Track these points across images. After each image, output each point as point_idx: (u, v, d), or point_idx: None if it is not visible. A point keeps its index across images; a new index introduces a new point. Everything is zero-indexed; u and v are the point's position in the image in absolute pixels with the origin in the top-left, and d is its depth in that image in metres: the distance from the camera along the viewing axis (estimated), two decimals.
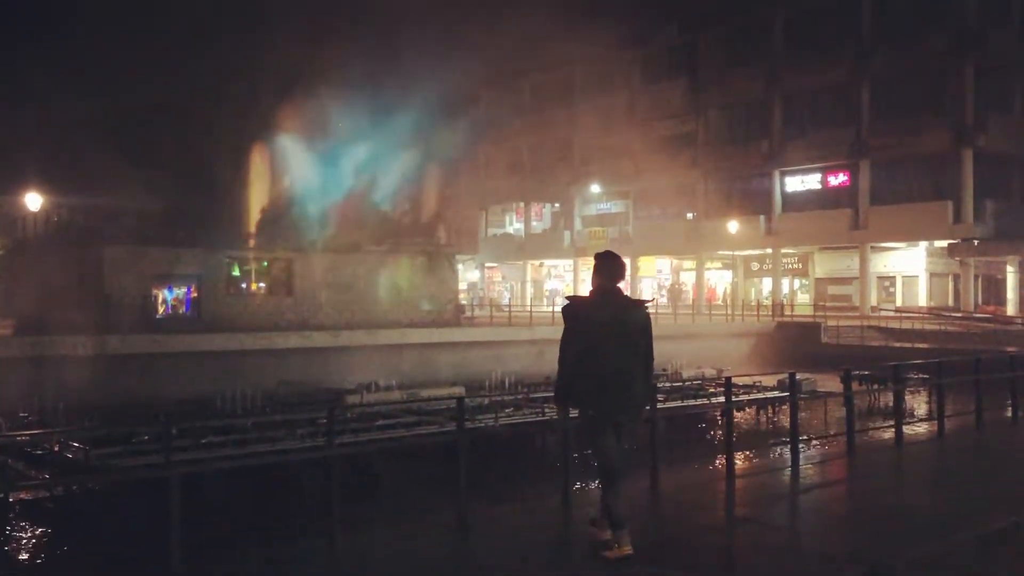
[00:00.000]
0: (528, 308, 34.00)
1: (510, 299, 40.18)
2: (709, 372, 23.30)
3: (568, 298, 5.25)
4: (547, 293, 48.92)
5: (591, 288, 5.22)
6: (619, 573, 4.83)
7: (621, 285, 5.28)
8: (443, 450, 6.60)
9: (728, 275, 42.86)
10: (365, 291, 26.54)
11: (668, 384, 19.85)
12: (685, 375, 22.71)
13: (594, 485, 6.20)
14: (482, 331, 25.15)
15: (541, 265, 49.54)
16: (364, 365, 21.50)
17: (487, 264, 52.78)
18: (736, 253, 40.10)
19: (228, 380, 18.96)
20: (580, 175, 45.35)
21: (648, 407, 5.68)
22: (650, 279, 46.81)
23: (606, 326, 5.05)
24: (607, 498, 5.07)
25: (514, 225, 54.39)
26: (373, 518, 8.08)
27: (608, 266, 5.18)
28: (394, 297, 27.01)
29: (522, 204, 51.37)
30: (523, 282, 50.37)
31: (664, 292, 44.76)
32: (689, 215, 42.83)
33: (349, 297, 25.96)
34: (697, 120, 40.72)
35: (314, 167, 26.85)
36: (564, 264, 47.81)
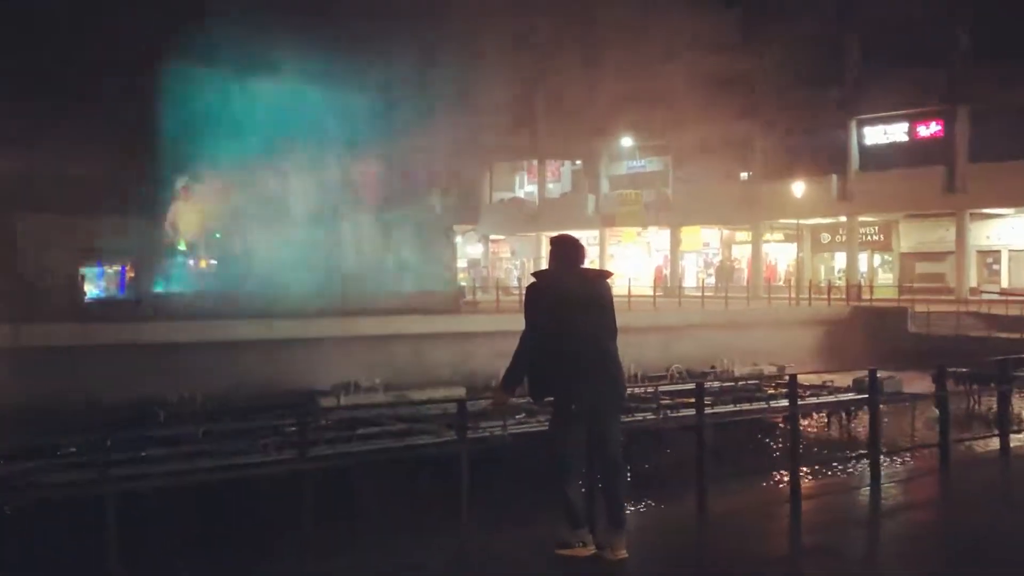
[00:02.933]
0: None
1: (520, 278, 40.24)
2: (768, 369, 23.52)
3: (534, 274, 5.79)
4: None
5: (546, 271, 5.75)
6: None
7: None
8: (439, 464, 6.60)
9: (791, 249, 42.77)
10: (342, 270, 26.60)
11: (718, 384, 19.84)
12: (738, 373, 22.93)
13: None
14: (486, 319, 25.30)
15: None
16: (341, 361, 21.64)
17: (492, 236, 52.91)
18: (802, 222, 39.97)
19: (173, 379, 19.05)
20: (607, 126, 45.22)
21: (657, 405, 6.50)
22: (694, 254, 46.78)
23: (579, 300, 5.63)
24: (569, 491, 5.53)
25: (525, 188, 54.39)
26: (350, 546, 8.09)
27: (566, 252, 5.72)
28: (378, 277, 27.09)
29: (535, 162, 51.34)
30: (536, 258, 50.45)
31: (711, 270, 44.70)
32: (743, 175, 42.63)
33: (322, 277, 26.03)
34: (754, 57, 40.45)
35: (272, 111, 26.79)
36: (587, 236, 47.77)
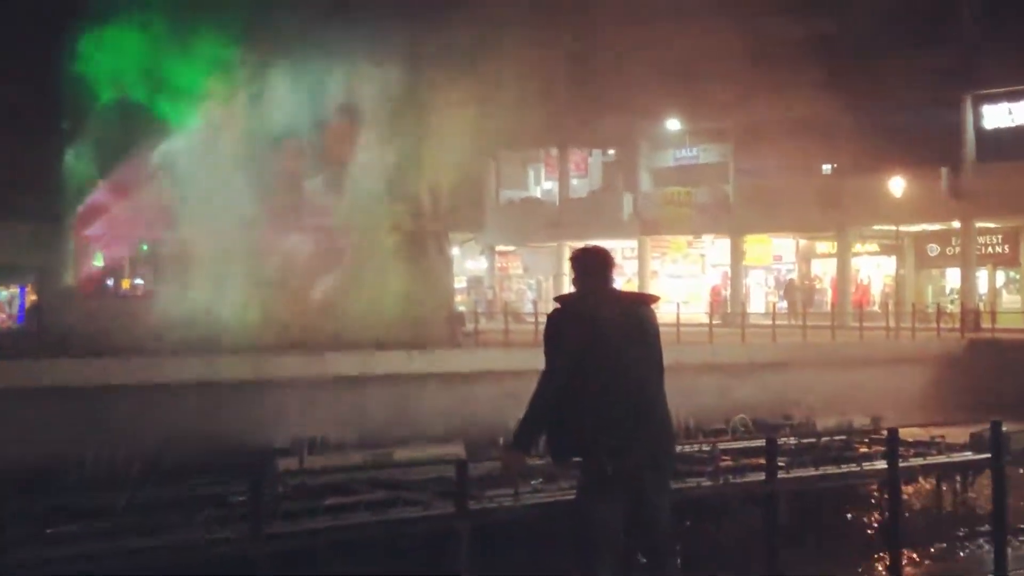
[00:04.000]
0: None
1: (536, 302, 40.29)
2: (860, 421, 23.50)
3: (558, 299, 5.85)
4: None
5: (570, 294, 5.92)
6: None
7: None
8: (432, 545, 6.62)
9: (889, 264, 42.79)
10: (305, 292, 26.72)
11: (794, 441, 19.86)
12: (821, 426, 22.95)
13: None
14: (492, 355, 25.47)
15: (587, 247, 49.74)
16: (306, 409, 21.76)
17: (499, 248, 53.13)
18: (902, 228, 40.00)
19: (89, 433, 19.12)
20: (649, 103, 45.41)
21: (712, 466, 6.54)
22: (761, 271, 46.81)
23: (617, 332, 5.67)
24: None
25: (543, 185, 54.61)
26: None
27: (594, 269, 5.85)
28: (353, 301, 27.15)
29: (555, 151, 51.54)
30: (557, 275, 50.60)
31: (784, 292, 44.70)
32: (825, 168, 42.67)
33: (280, 301, 26.15)
34: (838, 16, 40.62)
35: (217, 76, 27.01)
36: (623, 247, 47.87)
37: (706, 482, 14.13)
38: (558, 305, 5.74)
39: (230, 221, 26.36)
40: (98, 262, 25.54)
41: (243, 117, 27.56)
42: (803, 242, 44.98)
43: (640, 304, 5.75)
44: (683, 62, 43.81)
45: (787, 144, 42.17)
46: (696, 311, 40.78)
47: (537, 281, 54.01)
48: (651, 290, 43.17)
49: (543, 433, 5.70)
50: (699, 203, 44.57)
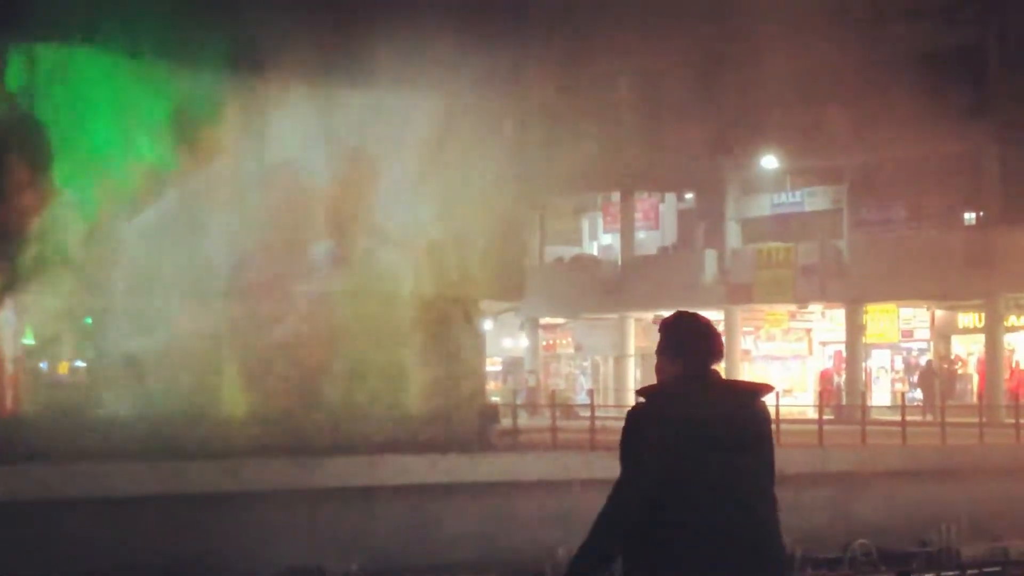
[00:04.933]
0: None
1: (592, 391, 40.13)
2: (1019, 548, 23.67)
3: (643, 392, 5.60)
4: None
5: (665, 379, 5.68)
6: None
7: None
8: None
9: None
10: (299, 379, 26.73)
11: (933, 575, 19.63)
12: (968, 555, 22.87)
13: None
14: (536, 460, 25.45)
15: (657, 321, 49.59)
16: (297, 530, 21.72)
17: (544, 320, 53.13)
18: None
19: (20, 558, 19.09)
20: (739, 135, 45.48)
21: None
22: (886, 350, 46.38)
23: (724, 435, 5.45)
24: None
25: (600, 239, 54.70)
26: None
27: (695, 338, 5.67)
28: (359, 391, 27.24)
29: (616, 196, 51.66)
30: (619, 356, 50.43)
31: (916, 377, 44.25)
32: (969, 218, 42.37)
33: (267, 391, 26.20)
34: (988, 22, 40.58)
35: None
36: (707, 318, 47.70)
37: None
38: (642, 401, 5.50)
39: (203, 288, 26.49)
40: (28, 339, 25.77)
41: (228, 156, 27.79)
42: (941, 313, 44.61)
43: (753, 396, 5.53)
44: (786, 81, 43.94)
45: (919, 187, 42.07)
46: (801, 402, 40.43)
47: (593, 363, 53.93)
48: (743, 375, 42.92)
49: (609, 567, 5.54)
50: (804, 263, 44.37)
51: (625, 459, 5.49)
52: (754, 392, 5.52)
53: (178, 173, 27.27)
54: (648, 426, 5.39)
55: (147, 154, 27.40)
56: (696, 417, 5.35)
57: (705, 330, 5.57)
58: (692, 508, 5.27)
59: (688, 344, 5.52)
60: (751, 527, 5.29)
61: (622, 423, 5.57)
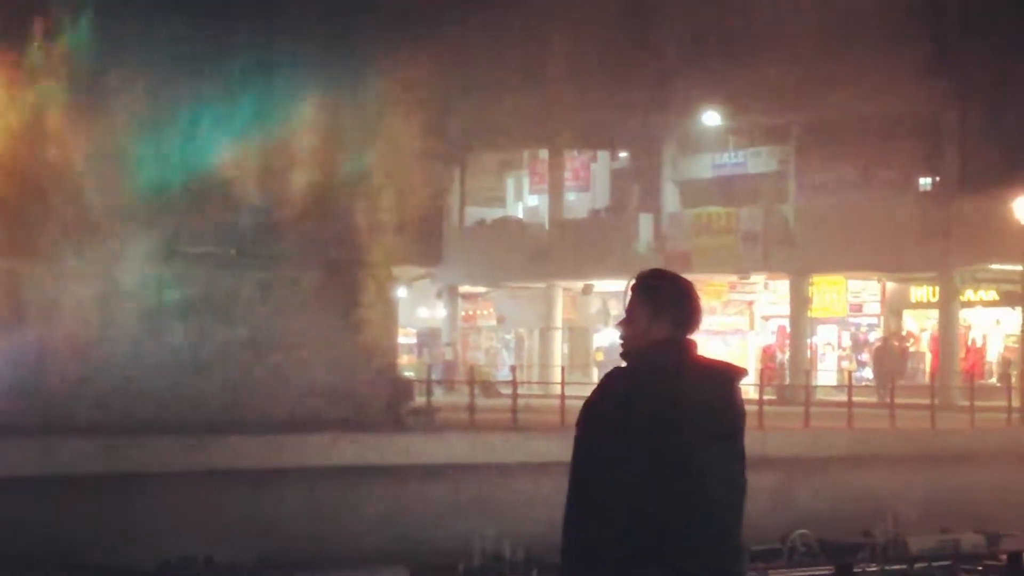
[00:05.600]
0: (558, 388, 33.96)
1: (514, 367, 40.10)
2: (970, 541, 23.56)
3: (629, 349, 5.33)
4: (599, 356, 49.29)
5: (637, 347, 5.38)
6: None
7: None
8: None
9: (1012, 318, 42.78)
10: (188, 347, 26.46)
11: (875, 569, 19.91)
12: (916, 547, 22.98)
13: None
14: (453, 441, 25.56)
15: (587, 291, 50.10)
16: (185, 516, 21.57)
17: (464, 289, 53.14)
18: None
19: None
20: (678, 93, 45.54)
21: None
22: (833, 326, 46.80)
23: (710, 424, 5.29)
24: None
25: (526, 201, 54.58)
26: None
27: (679, 302, 5.43)
28: (253, 363, 27.08)
29: (545, 154, 51.61)
30: (546, 329, 50.46)
31: (866, 355, 44.71)
32: (924, 183, 42.78)
33: (154, 363, 25.98)
34: None
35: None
36: None
37: None
38: (621, 381, 5.24)
39: (83, 248, 26.26)
40: None
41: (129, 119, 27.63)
42: (892, 286, 45.09)
43: (733, 380, 5.42)
44: (729, 31, 44.06)
45: (872, 150, 42.35)
46: (742, 382, 40.67)
47: (516, 336, 53.96)
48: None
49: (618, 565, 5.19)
50: (746, 230, 44.68)
51: (599, 444, 5.22)
52: (734, 375, 5.43)
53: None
54: (638, 401, 5.18)
55: None
56: (690, 399, 5.21)
57: (689, 289, 5.43)
58: (676, 501, 5.11)
59: (672, 303, 5.35)
60: (730, 520, 5.25)
61: (556, 403, 5.47)
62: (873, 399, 37.38)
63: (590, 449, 5.20)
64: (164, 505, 21.62)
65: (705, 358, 5.42)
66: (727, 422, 5.29)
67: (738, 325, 49.12)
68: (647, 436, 5.07)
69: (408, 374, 38.10)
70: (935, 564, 20.85)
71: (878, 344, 44.48)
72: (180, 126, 28.66)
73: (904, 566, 20.03)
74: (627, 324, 5.30)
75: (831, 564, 22.89)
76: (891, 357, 42.38)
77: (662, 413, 5.10)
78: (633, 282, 5.39)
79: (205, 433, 23.59)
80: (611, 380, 5.25)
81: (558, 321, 50.28)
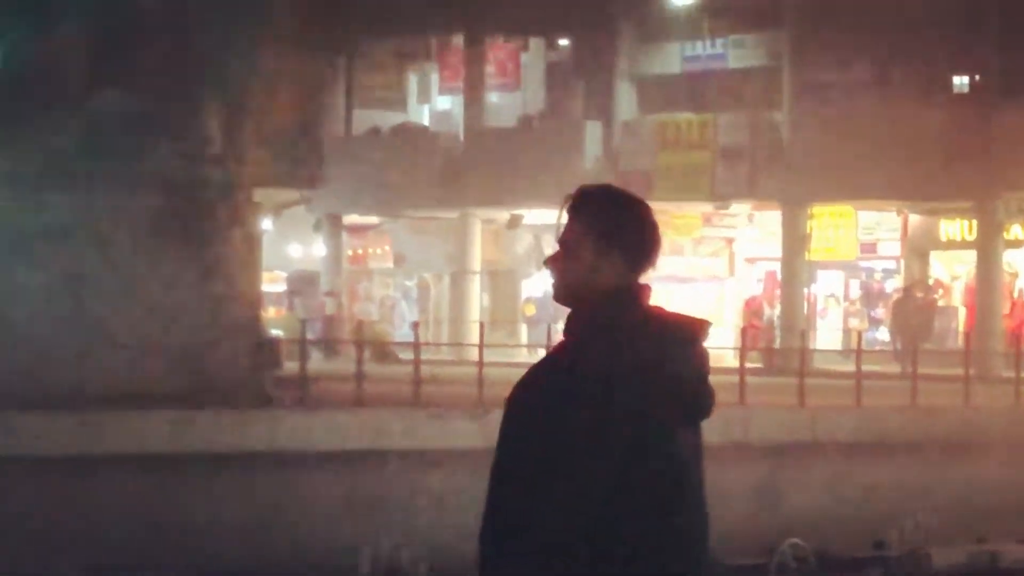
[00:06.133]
0: (475, 351, 34.06)
1: (417, 323, 39.96)
2: (1012, 554, 24.22)
3: (571, 345, 5.25)
4: (529, 310, 49.50)
5: (578, 294, 5.15)
6: None
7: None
8: None
9: None
10: None
11: None
12: (943, 562, 23.46)
13: None
14: (334, 423, 25.67)
15: (515, 223, 49.90)
16: None
17: (350, 219, 53.33)
18: None
19: None
20: None
21: None
22: (837, 271, 47.15)
23: (674, 403, 5.19)
24: None
25: (434, 102, 54.50)
26: None
27: (640, 225, 5.22)
28: (66, 317, 27.02)
29: (460, 42, 51.53)
30: (460, 274, 50.42)
31: (880, 309, 45.11)
32: (959, 84, 43.07)
33: None
34: None
35: None
36: None
37: None
38: (570, 356, 5.17)
39: None
40: None
41: None
42: (916, 219, 45.45)
43: (699, 337, 5.34)
44: None
45: (890, 41, 42.56)
46: (717, 344, 40.93)
47: (420, 284, 54.01)
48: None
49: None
50: (726, 144, 44.87)
51: (574, 420, 5.15)
52: (700, 332, 5.35)
53: None
54: (621, 376, 5.10)
55: None
56: (661, 373, 5.15)
57: (649, 214, 5.19)
58: (646, 505, 5.09)
59: (628, 232, 5.15)
60: (701, 525, 5.26)
61: (472, 370, 5.40)
62: (890, 368, 37.64)
63: (525, 441, 5.05)
64: None
65: (664, 311, 5.22)
66: (705, 402, 5.17)
67: (713, 270, 49.42)
68: (616, 427, 4.98)
69: (276, 333, 38.08)
70: None
71: (898, 296, 44.76)
72: None
73: None
74: (563, 260, 5.10)
75: None
76: (914, 313, 42.69)
77: (633, 396, 4.97)
78: (572, 201, 5.13)
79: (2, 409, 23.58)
80: (582, 346, 5.02)
81: (475, 263, 50.38)
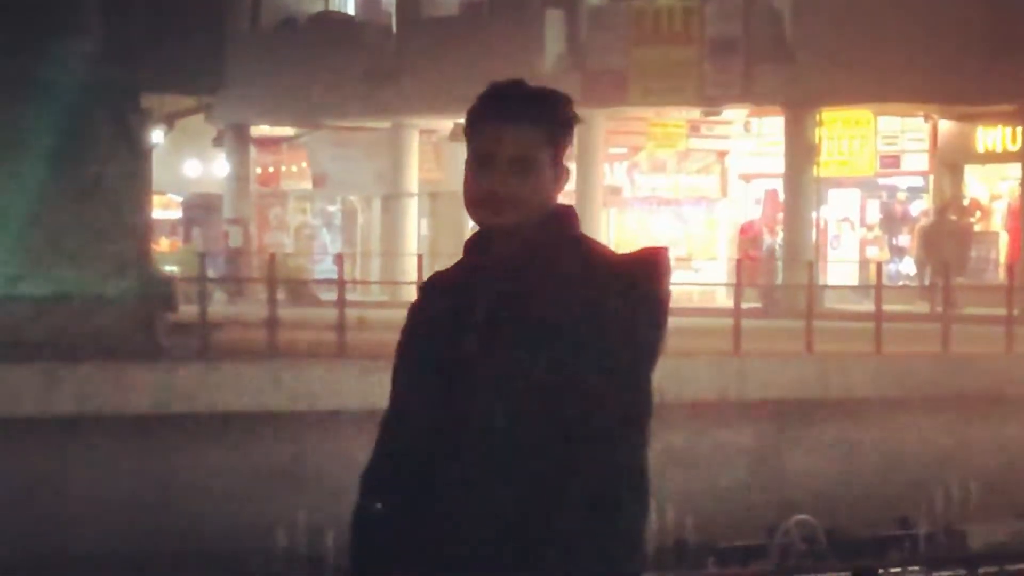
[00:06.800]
0: (412, 291, 34.17)
1: (340, 256, 39.96)
2: None
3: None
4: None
5: (531, 214, 5.27)
6: None
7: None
8: None
9: None
10: None
11: (917, 570, 20.44)
12: (980, 541, 23.65)
13: None
14: (242, 378, 25.88)
15: (459, 133, 49.65)
16: None
17: (258, 131, 53.37)
18: None
19: None
20: None
21: None
22: (852, 189, 47.43)
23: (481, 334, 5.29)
24: None
25: None
26: None
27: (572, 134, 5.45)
28: None
29: None
30: (393, 197, 50.56)
31: (901, 236, 45.36)
32: None
33: None
34: None
35: None
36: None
37: None
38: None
39: None
40: None
41: None
42: (947, 126, 45.61)
43: (579, 278, 5.49)
44: None
45: None
46: (707, 279, 41.05)
47: (345, 208, 54.14)
48: (611, 230, 42.82)
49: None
50: (715, 34, 44.91)
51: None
52: (615, 265, 5.53)
53: None
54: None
55: None
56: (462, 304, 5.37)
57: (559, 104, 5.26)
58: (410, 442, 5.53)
59: (571, 139, 5.36)
60: (491, 489, 5.51)
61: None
62: (917, 308, 37.81)
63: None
64: None
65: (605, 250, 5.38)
66: (542, 333, 5.26)
67: (702, 189, 49.54)
68: (415, 357, 5.34)
69: (170, 269, 38.12)
70: (1008, 568, 21.28)
71: (927, 221, 44.97)
72: None
73: (962, 571, 20.42)
74: (523, 177, 5.18)
75: (845, 568, 23.36)
76: (947, 240, 42.87)
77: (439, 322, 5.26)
78: (533, 105, 5.34)
79: None
80: (661, 263, 5.29)
81: (412, 184, 50.57)
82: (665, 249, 5.27)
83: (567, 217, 5.22)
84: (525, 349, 5.24)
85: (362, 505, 5.57)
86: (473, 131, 5.10)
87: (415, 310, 5.28)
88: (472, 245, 5.35)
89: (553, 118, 5.14)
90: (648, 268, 5.28)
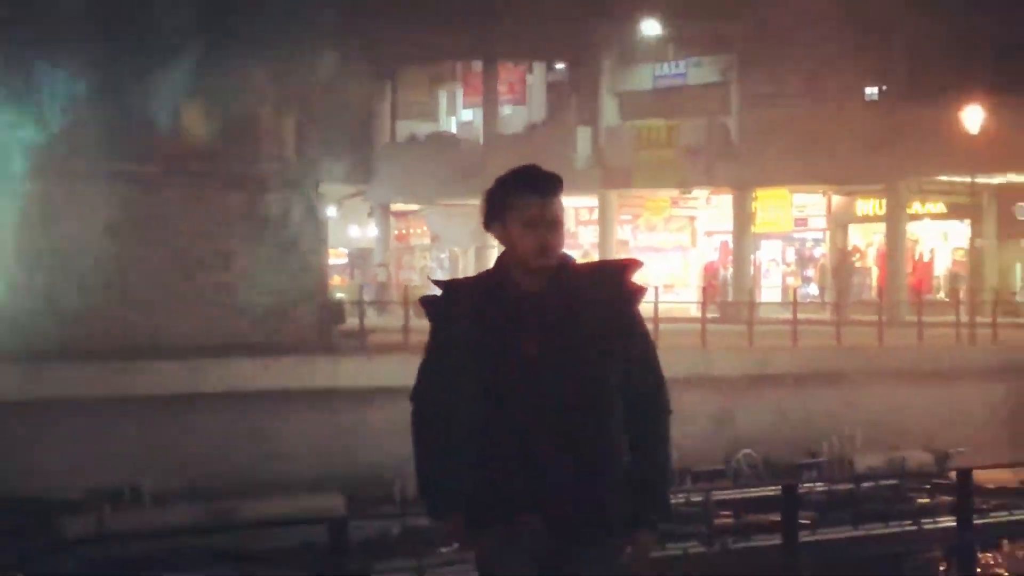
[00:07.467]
0: None
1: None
2: (918, 459, 24.17)
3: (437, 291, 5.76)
4: None
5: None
6: None
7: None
8: None
9: (961, 231, 43.19)
10: (110, 268, 26.38)
11: (822, 487, 20.12)
12: (863, 466, 23.63)
13: None
14: (386, 364, 25.38)
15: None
16: (106, 444, 21.51)
17: (396, 207, 53.19)
18: (980, 180, 40.43)
19: None
20: (615, 2, 45.40)
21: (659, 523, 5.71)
22: (778, 241, 47.13)
23: (526, 321, 5.50)
24: None
25: (459, 115, 54.39)
26: None
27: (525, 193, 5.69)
28: (178, 285, 27.01)
29: (479, 65, 51.43)
30: (481, 248, 50.42)
31: (812, 271, 45.07)
32: (871, 92, 42.93)
33: (69, 287, 25.73)
34: None
35: None
36: (577, 205, 47.94)
37: (696, 548, 14.14)
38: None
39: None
40: None
41: None
42: (838, 199, 45.40)
43: (589, 280, 5.93)
44: None
45: (817, 59, 42.36)
46: (683, 299, 40.85)
47: (451, 255, 53.93)
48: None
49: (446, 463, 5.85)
50: (688, 143, 44.78)
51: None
52: (609, 271, 5.79)
53: None
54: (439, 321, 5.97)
55: None
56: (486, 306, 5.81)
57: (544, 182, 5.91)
58: (482, 413, 5.92)
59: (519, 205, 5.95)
60: (569, 431, 5.58)
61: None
62: (818, 316, 37.68)
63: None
64: (86, 433, 21.50)
65: (602, 262, 6.03)
66: (575, 321, 5.51)
67: (680, 242, 49.32)
68: (454, 343, 5.87)
69: (339, 296, 38.15)
70: (882, 483, 21.06)
71: (826, 260, 44.92)
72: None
73: (851, 485, 20.23)
74: (560, 230, 5.49)
75: (776, 484, 23.21)
76: (839, 272, 42.84)
77: (476, 321, 5.64)
78: (559, 187, 5.58)
79: (128, 358, 23.40)
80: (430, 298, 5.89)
81: (493, 239, 50.04)
82: (637, 260, 5.61)
83: (570, 258, 5.51)
84: (574, 349, 5.36)
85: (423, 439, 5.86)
86: (520, 202, 5.54)
87: (441, 302, 5.74)
88: (492, 274, 5.76)
89: (561, 191, 5.52)
90: (620, 263, 5.57)
